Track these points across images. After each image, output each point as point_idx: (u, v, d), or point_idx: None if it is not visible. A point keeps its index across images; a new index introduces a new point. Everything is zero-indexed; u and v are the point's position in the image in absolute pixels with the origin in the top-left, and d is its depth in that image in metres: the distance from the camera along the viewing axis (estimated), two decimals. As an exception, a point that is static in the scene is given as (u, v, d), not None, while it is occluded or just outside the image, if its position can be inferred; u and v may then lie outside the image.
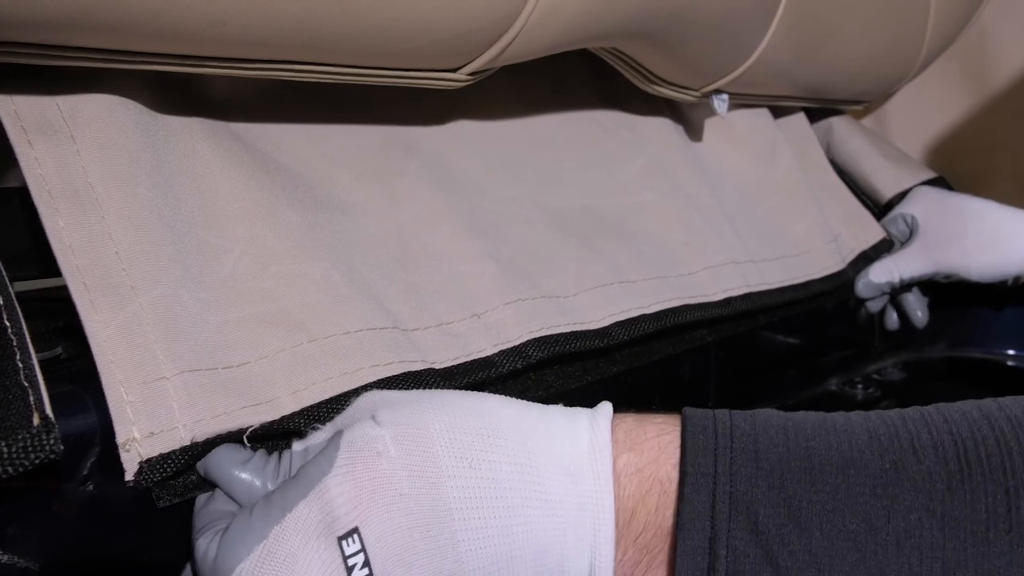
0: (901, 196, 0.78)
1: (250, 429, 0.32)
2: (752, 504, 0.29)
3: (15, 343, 0.29)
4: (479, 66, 0.40)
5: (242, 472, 0.31)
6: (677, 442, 0.31)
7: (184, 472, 0.32)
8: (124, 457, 0.30)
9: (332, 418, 0.34)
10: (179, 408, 0.31)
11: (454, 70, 0.40)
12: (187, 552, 0.32)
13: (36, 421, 0.27)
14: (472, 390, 0.41)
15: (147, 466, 0.30)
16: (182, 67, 0.32)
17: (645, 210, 0.56)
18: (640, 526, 0.31)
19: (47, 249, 0.31)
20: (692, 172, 0.61)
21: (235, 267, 0.36)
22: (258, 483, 0.31)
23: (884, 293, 0.74)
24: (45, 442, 0.27)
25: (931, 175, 0.79)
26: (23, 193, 0.32)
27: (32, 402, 0.27)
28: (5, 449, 0.26)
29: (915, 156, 0.84)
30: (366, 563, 0.28)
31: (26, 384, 0.28)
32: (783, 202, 0.69)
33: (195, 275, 0.34)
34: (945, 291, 0.76)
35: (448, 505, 0.29)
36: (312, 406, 0.34)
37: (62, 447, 0.27)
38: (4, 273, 0.30)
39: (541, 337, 0.43)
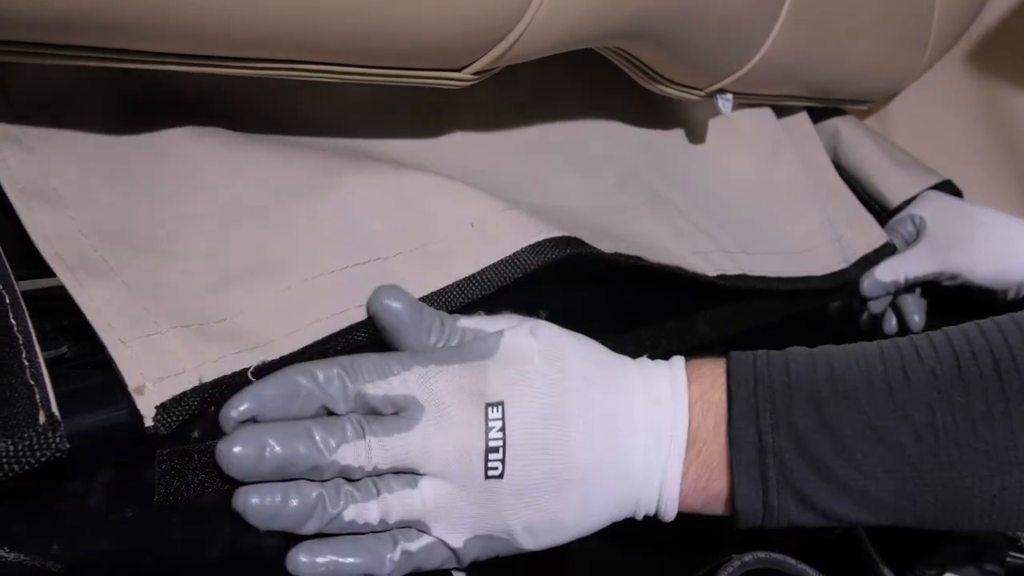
0: (908, 202, 0.78)
1: (252, 367, 0.34)
2: (790, 415, 0.36)
3: (20, 341, 0.29)
4: (483, 65, 0.40)
5: (421, 316, 0.37)
6: (726, 372, 0.39)
7: (196, 419, 0.33)
8: (139, 402, 0.31)
9: (356, 341, 0.37)
10: (182, 354, 0.32)
11: (458, 69, 0.40)
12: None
13: (42, 419, 0.27)
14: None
15: (162, 410, 0.31)
16: (183, 66, 0.32)
17: (644, 212, 0.56)
18: (701, 443, 0.38)
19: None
20: (694, 172, 0.61)
21: (215, 231, 0.37)
22: (426, 336, 0.37)
23: (888, 293, 0.74)
24: (51, 440, 0.27)
25: (939, 179, 0.79)
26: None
27: (38, 400, 0.27)
28: (11, 447, 0.26)
29: (918, 157, 0.84)
30: (502, 428, 0.35)
31: (32, 382, 0.28)
32: (786, 202, 0.68)
33: (175, 248, 0.35)
34: (943, 302, 0.76)
35: (569, 410, 0.36)
36: (309, 346, 0.35)
37: (67, 445, 0.27)
38: (10, 272, 0.30)
39: (533, 243, 0.42)
